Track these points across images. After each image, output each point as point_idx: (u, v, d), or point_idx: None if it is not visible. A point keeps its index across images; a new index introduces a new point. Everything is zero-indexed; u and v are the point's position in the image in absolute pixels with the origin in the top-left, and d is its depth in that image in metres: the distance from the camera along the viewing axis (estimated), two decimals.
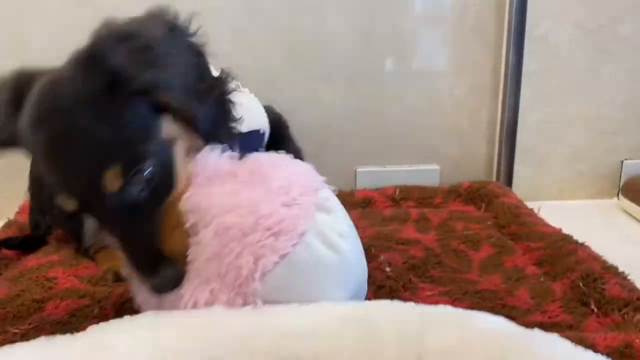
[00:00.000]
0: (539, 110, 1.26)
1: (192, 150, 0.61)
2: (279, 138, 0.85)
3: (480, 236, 0.94)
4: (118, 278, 0.81)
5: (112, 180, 0.50)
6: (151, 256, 0.54)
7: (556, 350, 0.48)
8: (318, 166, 0.66)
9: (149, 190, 0.53)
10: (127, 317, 0.54)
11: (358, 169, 1.26)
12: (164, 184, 0.55)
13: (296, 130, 1.14)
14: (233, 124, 0.62)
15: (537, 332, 0.50)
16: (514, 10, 1.18)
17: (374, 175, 1.26)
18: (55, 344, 0.51)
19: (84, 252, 0.92)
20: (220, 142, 0.62)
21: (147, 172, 0.52)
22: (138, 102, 0.52)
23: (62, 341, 0.51)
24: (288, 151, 0.70)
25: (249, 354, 0.49)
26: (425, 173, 1.27)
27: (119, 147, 0.51)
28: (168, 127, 0.56)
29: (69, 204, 0.53)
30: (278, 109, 0.91)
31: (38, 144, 0.52)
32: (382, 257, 0.83)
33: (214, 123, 0.58)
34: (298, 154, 0.80)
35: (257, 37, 1.18)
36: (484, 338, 0.49)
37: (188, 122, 0.56)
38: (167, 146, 0.56)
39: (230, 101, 0.62)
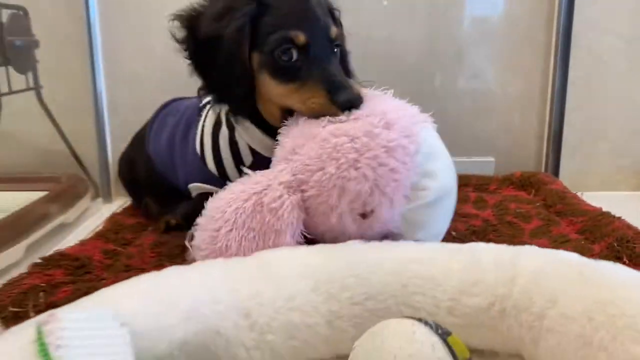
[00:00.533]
0: (583, 111, 1.41)
1: None
2: None
3: (530, 213, 1.10)
4: (169, 227, 0.98)
5: (335, 32, 0.78)
6: (341, 83, 0.74)
7: (619, 272, 0.56)
8: None
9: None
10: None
11: None
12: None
13: None
14: None
15: (604, 262, 0.58)
16: (561, 21, 1.34)
17: None
18: (232, 261, 0.64)
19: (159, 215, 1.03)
20: None
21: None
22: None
23: (236, 261, 0.64)
24: None
25: (382, 273, 0.61)
26: (481, 164, 1.43)
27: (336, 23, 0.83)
28: None
29: (301, 38, 0.74)
30: None
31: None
32: None
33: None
34: None
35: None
36: (565, 264, 0.58)
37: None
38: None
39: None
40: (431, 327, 0.48)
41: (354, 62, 1.37)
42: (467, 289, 0.60)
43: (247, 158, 0.86)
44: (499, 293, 0.59)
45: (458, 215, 1.10)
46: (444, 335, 0.48)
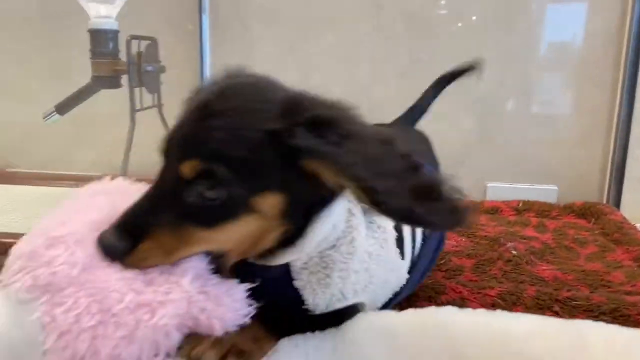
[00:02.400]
0: None
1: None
2: None
3: (587, 239, 1.19)
4: None
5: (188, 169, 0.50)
6: (136, 228, 0.51)
7: None
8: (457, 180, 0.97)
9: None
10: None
11: (488, 184, 1.54)
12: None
13: (439, 151, 1.48)
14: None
15: None
16: (629, 60, 1.42)
17: (501, 190, 1.52)
18: None
19: None
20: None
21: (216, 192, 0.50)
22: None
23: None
24: None
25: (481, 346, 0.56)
26: (545, 192, 1.51)
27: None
28: None
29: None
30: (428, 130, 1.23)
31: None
32: (509, 244, 1.13)
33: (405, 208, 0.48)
34: None
35: (420, 79, 1.53)
36: None
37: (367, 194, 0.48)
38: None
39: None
40: None
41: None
42: None
43: None
44: None
45: (519, 237, 1.21)
46: None
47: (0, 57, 1.71)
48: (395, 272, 0.62)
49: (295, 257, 0.57)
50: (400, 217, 0.50)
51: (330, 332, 0.60)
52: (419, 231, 0.68)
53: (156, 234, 0.50)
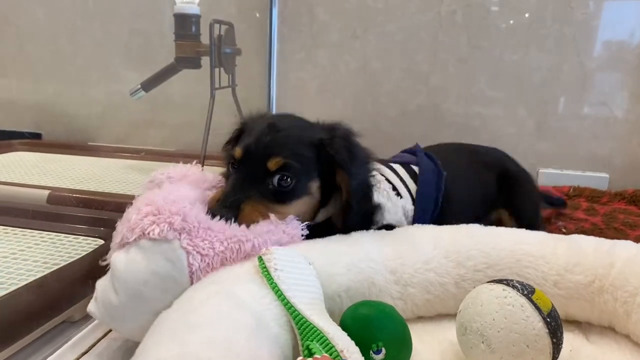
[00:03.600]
0: None
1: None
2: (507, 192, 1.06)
3: (637, 223, 1.22)
4: None
5: (273, 162, 0.71)
6: (234, 205, 0.69)
7: None
8: None
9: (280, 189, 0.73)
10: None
11: (540, 170, 1.58)
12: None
13: (494, 137, 1.54)
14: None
15: None
16: None
17: (553, 176, 1.56)
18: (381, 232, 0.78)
19: None
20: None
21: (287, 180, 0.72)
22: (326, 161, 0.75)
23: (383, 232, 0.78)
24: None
25: (499, 248, 0.74)
26: (596, 179, 1.54)
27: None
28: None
29: (237, 153, 0.74)
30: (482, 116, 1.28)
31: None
32: (559, 223, 1.19)
33: (357, 223, 0.76)
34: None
35: (478, 68, 1.60)
36: None
37: (345, 207, 0.75)
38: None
39: (377, 212, 0.79)
40: (518, 289, 0.57)
41: (486, 80, 1.56)
42: (571, 268, 0.72)
43: None
44: (599, 273, 0.71)
45: (569, 218, 1.27)
46: (529, 294, 0.57)
47: (81, 40, 1.86)
48: (400, 205, 0.85)
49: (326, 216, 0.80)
50: (347, 226, 0.76)
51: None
52: (409, 179, 0.90)
53: (251, 204, 0.71)
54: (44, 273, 0.75)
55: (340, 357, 0.48)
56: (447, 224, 0.80)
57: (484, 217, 1.03)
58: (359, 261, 0.69)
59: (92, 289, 0.63)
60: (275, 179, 0.72)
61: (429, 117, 1.63)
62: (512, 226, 0.98)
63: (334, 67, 1.62)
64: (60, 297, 0.69)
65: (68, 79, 1.90)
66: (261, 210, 0.71)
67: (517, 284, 0.58)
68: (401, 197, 0.86)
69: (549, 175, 1.58)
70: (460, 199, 0.96)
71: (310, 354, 0.48)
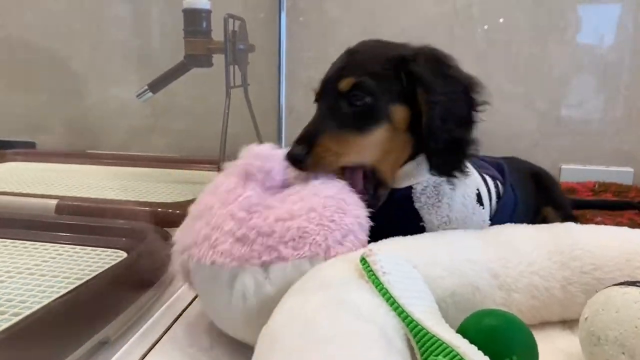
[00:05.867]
0: None
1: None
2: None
3: None
4: None
5: (345, 83, 0.65)
6: (308, 141, 0.64)
7: None
8: (531, 161, 1.00)
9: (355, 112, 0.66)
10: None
11: (562, 166, 1.54)
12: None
13: (515, 133, 1.49)
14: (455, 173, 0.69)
15: None
16: None
17: (575, 172, 1.52)
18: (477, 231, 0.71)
19: None
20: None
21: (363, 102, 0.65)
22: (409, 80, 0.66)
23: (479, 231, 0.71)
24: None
25: (604, 247, 0.67)
26: (620, 174, 1.50)
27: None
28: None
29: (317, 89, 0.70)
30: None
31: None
32: (598, 218, 1.14)
33: (441, 153, 0.66)
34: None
35: (496, 59, 1.54)
36: None
37: (427, 130, 0.65)
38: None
39: (469, 146, 0.68)
40: None
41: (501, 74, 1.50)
42: None
43: None
44: None
45: (607, 215, 1.22)
46: None
47: (77, 43, 1.78)
48: (476, 215, 0.75)
49: (415, 181, 0.70)
50: (430, 160, 0.67)
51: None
52: (493, 191, 0.81)
53: (324, 141, 0.64)
54: (68, 289, 0.68)
55: None
56: None
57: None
58: (459, 262, 0.62)
59: (125, 305, 0.55)
60: (348, 101, 0.65)
61: None
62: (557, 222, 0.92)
63: None
64: (94, 316, 0.61)
65: (63, 84, 1.81)
66: (334, 148, 0.64)
67: None
68: (483, 207, 0.77)
69: (571, 171, 1.54)
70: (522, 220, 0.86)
71: None
